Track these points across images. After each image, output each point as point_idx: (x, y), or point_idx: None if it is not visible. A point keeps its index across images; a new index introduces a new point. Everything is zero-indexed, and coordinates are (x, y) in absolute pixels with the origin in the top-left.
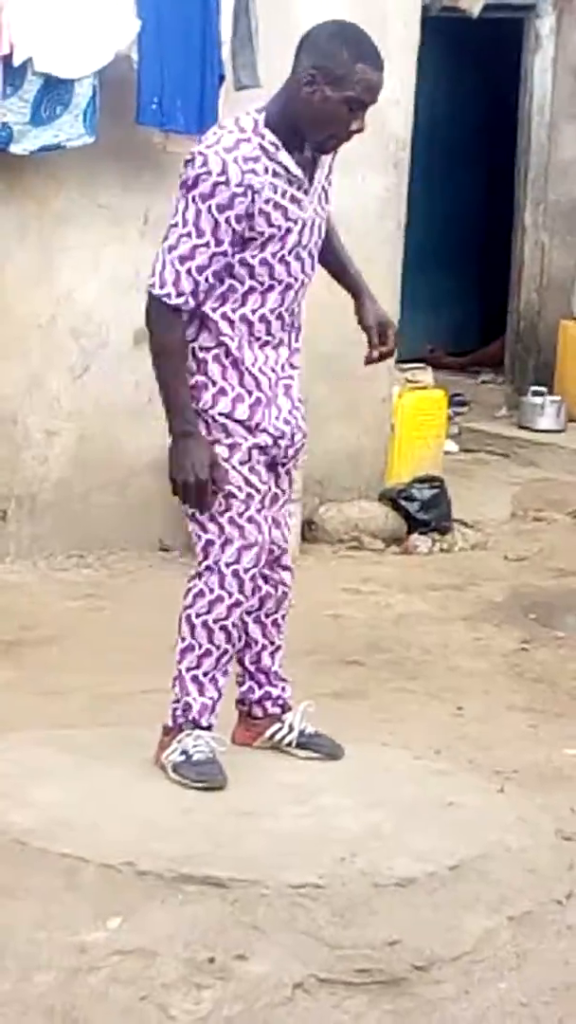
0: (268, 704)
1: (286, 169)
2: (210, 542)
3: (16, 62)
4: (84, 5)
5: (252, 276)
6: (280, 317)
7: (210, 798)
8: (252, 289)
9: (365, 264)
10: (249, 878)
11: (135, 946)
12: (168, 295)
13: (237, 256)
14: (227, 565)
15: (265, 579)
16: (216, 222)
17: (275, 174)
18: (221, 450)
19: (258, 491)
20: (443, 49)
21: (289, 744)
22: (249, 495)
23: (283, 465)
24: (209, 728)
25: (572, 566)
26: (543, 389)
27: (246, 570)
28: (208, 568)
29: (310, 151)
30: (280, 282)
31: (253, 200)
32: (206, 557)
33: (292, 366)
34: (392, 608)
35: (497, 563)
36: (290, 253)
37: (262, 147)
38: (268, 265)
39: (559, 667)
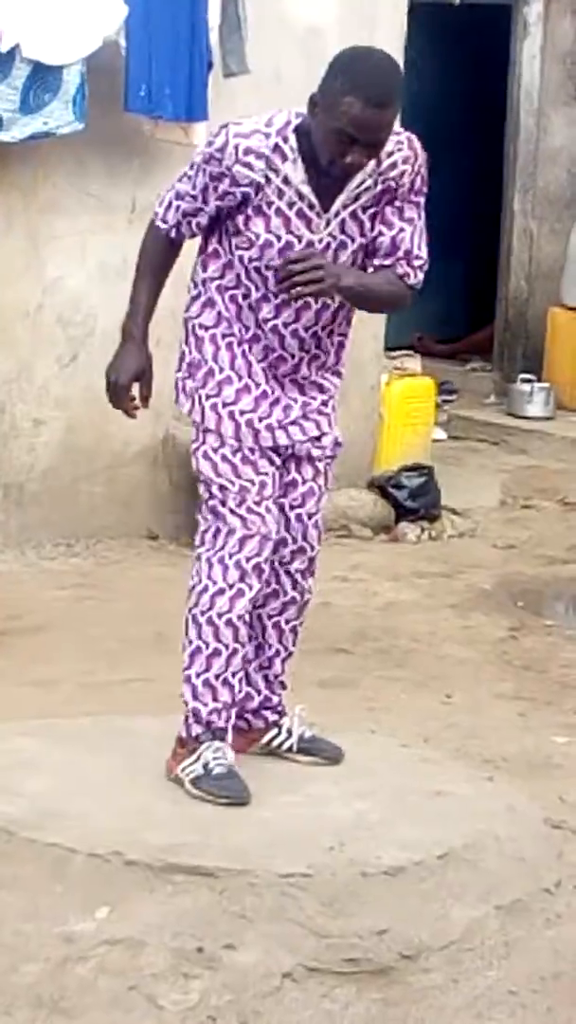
0: (266, 712)
1: (287, 180)
2: (205, 531)
3: (3, 48)
4: None
5: (248, 278)
6: (276, 331)
7: None
8: (248, 292)
9: None
10: (237, 868)
11: (123, 936)
12: (156, 214)
13: (235, 245)
14: (230, 556)
15: (294, 584)
16: (206, 185)
17: (285, 180)
18: (211, 439)
19: (251, 482)
20: (431, 36)
21: (288, 750)
22: (243, 487)
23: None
24: (224, 732)
25: (561, 554)
26: (532, 376)
27: (248, 559)
28: (207, 562)
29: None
30: (275, 295)
31: (237, 186)
32: (202, 544)
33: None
34: (380, 596)
35: (486, 551)
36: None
37: (278, 148)
38: (261, 275)
39: (548, 655)
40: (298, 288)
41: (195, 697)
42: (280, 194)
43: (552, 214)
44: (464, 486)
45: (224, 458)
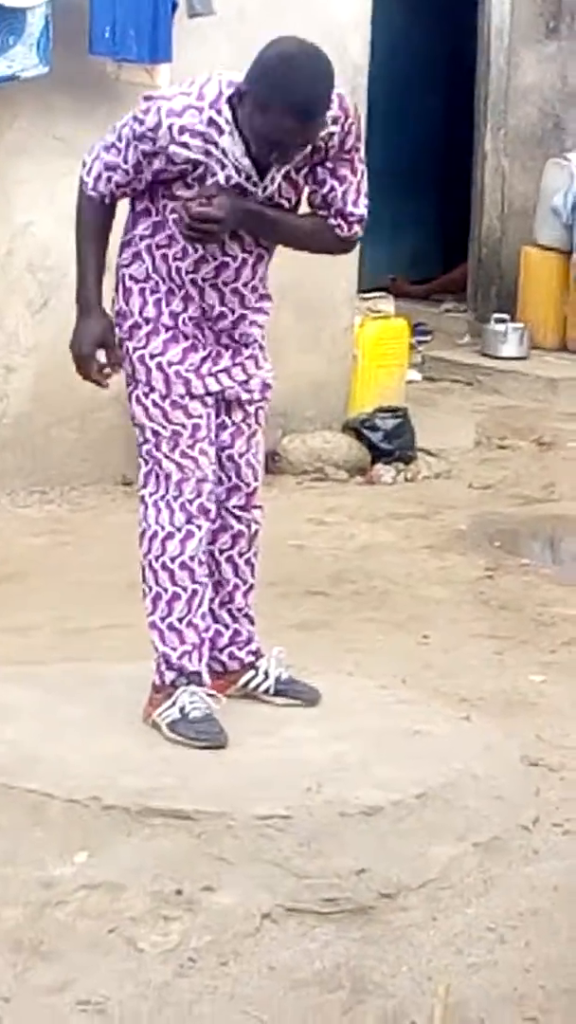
0: (237, 651)
1: (225, 153)
2: (147, 473)
3: None
4: None
5: (182, 239)
6: (216, 288)
7: None
8: (183, 254)
9: None
10: (215, 810)
11: (102, 880)
12: (86, 184)
13: (169, 209)
14: (174, 499)
15: (237, 518)
16: (139, 161)
17: (223, 153)
18: (142, 386)
19: (183, 426)
20: None
21: (266, 692)
22: (175, 432)
23: (228, 402)
24: (198, 675)
25: (536, 493)
26: (506, 316)
27: (191, 502)
28: (154, 506)
29: None
30: (214, 257)
31: (173, 164)
32: (145, 486)
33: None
34: (356, 538)
35: (461, 491)
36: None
37: (212, 122)
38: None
39: (524, 594)
40: (192, 239)
41: (163, 642)
42: (221, 166)
43: (524, 152)
44: (439, 427)
45: (155, 403)
